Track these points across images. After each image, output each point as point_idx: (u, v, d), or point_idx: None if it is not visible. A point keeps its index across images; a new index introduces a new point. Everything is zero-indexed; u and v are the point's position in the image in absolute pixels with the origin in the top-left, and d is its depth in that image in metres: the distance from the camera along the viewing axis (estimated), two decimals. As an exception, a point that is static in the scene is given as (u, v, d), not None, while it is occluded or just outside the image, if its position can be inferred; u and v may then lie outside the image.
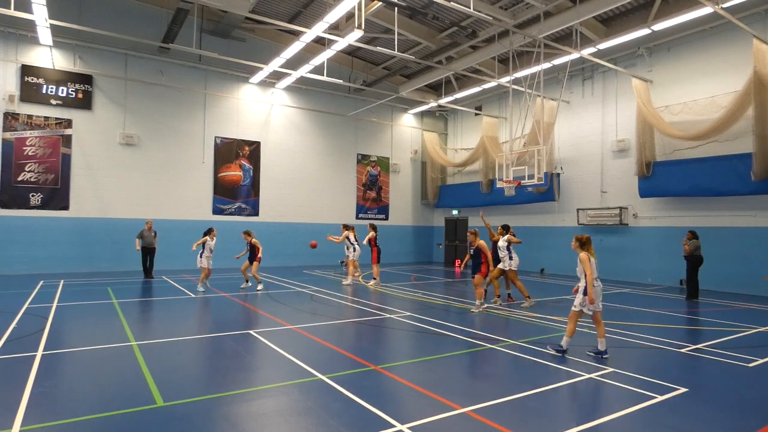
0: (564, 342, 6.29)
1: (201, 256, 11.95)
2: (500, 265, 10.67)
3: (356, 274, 14.38)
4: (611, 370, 5.70)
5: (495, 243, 11.00)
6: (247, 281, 12.54)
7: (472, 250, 9.93)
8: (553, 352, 6.33)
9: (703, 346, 7.03)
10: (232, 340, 7.02)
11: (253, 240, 12.31)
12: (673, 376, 5.56)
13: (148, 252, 14.83)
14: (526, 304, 10.29)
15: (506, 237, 10.68)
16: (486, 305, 10.00)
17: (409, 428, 3.97)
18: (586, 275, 6.12)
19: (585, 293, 6.13)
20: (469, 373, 5.71)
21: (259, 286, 12.25)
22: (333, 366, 5.76)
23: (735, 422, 4.34)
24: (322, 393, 4.82)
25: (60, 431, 3.87)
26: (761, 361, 6.24)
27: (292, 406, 4.54)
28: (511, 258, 10.59)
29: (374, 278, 13.84)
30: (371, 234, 13.93)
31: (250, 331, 7.59)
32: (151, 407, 4.38)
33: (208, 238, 11.97)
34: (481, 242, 9.83)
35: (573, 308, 6.28)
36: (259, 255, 12.22)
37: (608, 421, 4.22)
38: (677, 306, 10.98)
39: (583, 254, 6.21)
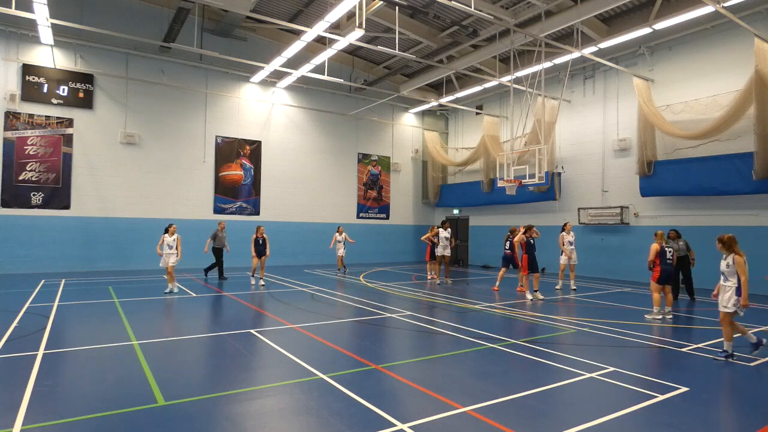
0: (727, 346, 6.30)
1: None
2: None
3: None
4: (612, 369, 5.70)
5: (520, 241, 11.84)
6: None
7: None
8: (722, 359, 6.23)
9: (704, 346, 7.03)
10: (233, 340, 7.02)
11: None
12: (674, 375, 5.56)
13: (220, 253, 14.67)
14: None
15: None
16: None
17: (410, 427, 3.98)
18: (739, 277, 6.30)
19: (739, 294, 6.32)
20: (470, 373, 5.71)
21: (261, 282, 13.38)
22: (334, 365, 5.77)
23: (735, 422, 4.34)
24: (323, 392, 4.83)
25: (61, 430, 3.88)
26: (762, 360, 6.24)
27: (293, 405, 4.55)
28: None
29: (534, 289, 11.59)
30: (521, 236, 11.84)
31: (252, 331, 7.60)
32: (152, 406, 4.39)
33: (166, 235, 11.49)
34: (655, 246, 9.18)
35: (725, 310, 6.35)
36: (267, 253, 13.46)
37: (608, 420, 4.22)
38: (678, 305, 10.96)
39: (738, 257, 6.41)
